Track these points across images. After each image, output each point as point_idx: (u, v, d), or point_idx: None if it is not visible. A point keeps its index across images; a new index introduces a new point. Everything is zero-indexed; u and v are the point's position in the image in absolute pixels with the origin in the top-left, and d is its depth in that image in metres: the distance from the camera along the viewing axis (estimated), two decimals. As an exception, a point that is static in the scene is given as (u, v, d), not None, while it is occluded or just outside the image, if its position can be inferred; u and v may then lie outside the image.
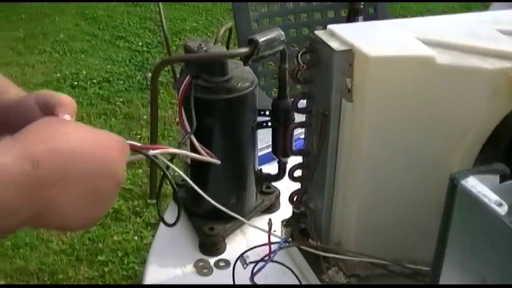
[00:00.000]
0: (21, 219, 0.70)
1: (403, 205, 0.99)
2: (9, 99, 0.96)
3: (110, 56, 4.87)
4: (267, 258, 1.02)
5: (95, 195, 0.78)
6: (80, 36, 5.26)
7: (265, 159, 1.30)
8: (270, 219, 1.05)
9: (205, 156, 0.96)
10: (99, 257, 2.80)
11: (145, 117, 3.87)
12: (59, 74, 4.53)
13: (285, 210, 1.21)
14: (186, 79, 1.01)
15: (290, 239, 1.07)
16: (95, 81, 4.43)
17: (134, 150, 0.84)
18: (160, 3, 1.03)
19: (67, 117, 0.85)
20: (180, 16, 5.55)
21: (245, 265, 1.04)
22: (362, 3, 1.49)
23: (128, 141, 0.83)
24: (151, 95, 0.92)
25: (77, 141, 0.75)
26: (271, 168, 1.26)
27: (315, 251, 1.01)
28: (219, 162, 0.97)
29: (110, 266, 2.77)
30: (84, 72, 4.59)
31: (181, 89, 1.01)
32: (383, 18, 2.44)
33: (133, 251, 2.84)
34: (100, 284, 2.70)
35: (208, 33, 5.19)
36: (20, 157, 0.68)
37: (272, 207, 1.24)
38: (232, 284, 1.06)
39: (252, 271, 1.01)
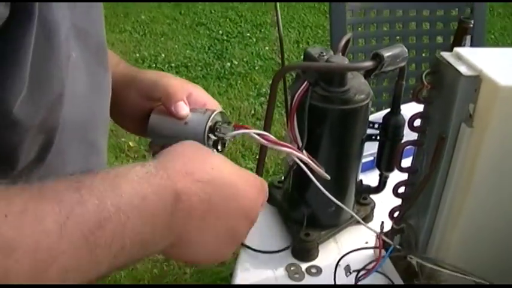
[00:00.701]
0: (158, 250, 0.71)
1: (508, 234, 0.98)
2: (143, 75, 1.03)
3: (189, 41, 4.91)
4: (370, 266, 1.03)
5: (230, 235, 0.78)
6: (161, 18, 5.31)
7: (363, 168, 1.30)
8: (382, 222, 1.06)
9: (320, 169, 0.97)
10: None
11: (221, 106, 3.87)
12: (137, 55, 4.59)
13: (379, 222, 1.21)
14: (303, 85, 1.02)
15: (399, 247, 1.07)
16: (173, 65, 4.49)
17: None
18: (278, 9, 1.04)
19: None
20: (262, 9, 5.55)
21: (348, 273, 1.05)
22: (472, 21, 1.48)
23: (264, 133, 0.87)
24: (269, 99, 0.92)
25: (222, 177, 0.76)
26: (367, 178, 1.26)
27: (430, 265, 1.00)
28: (324, 173, 0.98)
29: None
30: (163, 55, 4.64)
31: (297, 94, 1.02)
32: (478, 35, 2.43)
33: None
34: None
35: (289, 29, 5.18)
36: (162, 188, 0.68)
37: (366, 219, 1.24)
38: None
39: (356, 277, 1.02)
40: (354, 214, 1.11)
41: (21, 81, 0.69)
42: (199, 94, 1.02)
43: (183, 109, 0.95)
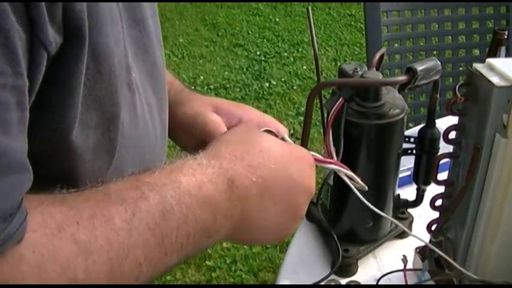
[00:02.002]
0: (221, 236, 0.75)
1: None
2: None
3: (227, 63, 4.94)
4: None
5: (290, 211, 0.82)
6: (199, 41, 5.35)
7: (401, 183, 1.31)
8: (404, 256, 1.08)
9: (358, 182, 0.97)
10: (207, 262, 2.85)
11: (260, 127, 3.89)
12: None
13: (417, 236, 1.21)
14: (339, 101, 1.03)
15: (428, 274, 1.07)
16: (212, 87, 4.52)
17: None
18: (311, 19, 1.05)
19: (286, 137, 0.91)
20: (298, 28, 5.57)
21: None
22: (506, 32, 1.47)
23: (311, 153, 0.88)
24: (305, 116, 0.93)
25: (273, 158, 0.79)
26: (404, 192, 1.26)
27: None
28: (366, 188, 0.98)
29: (218, 271, 2.82)
30: (202, 77, 4.67)
31: (333, 110, 1.03)
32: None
33: (241, 259, 2.87)
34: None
35: (326, 47, 5.19)
36: (215, 176, 0.72)
37: (405, 233, 1.24)
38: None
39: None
40: (396, 222, 1.11)
41: (75, 108, 0.72)
42: (251, 118, 1.06)
43: None
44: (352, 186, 0.95)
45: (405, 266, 1.06)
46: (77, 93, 0.71)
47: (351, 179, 0.95)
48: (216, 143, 0.79)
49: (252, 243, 0.86)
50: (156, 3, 0.96)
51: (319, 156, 0.89)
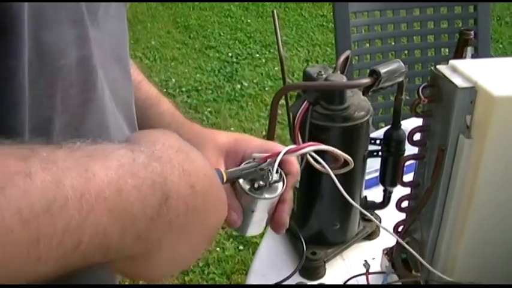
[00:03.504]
0: (117, 257, 0.56)
1: (513, 245, 0.99)
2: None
3: (199, 65, 4.93)
4: None
5: (198, 248, 0.66)
6: (171, 43, 5.34)
7: (368, 185, 1.31)
8: (365, 261, 1.09)
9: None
10: (180, 266, 2.83)
11: (232, 128, 3.90)
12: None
13: (384, 237, 1.21)
14: (304, 105, 1.03)
15: (393, 271, 1.08)
16: (183, 89, 4.50)
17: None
18: (277, 28, 1.05)
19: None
20: (270, 29, 5.57)
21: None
22: (472, 32, 1.48)
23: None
24: (270, 120, 0.93)
25: (210, 188, 0.63)
26: (372, 194, 1.27)
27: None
28: (352, 162, 0.95)
29: (191, 275, 2.81)
30: (174, 80, 4.66)
31: (298, 114, 1.03)
32: (483, 45, 2.43)
33: (214, 262, 2.86)
34: None
35: (298, 48, 5.21)
36: (148, 185, 0.54)
37: (372, 234, 1.24)
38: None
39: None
40: (364, 211, 1.11)
41: (23, 105, 0.64)
42: (233, 156, 0.91)
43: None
44: (329, 169, 0.91)
45: (367, 270, 1.07)
46: (24, 89, 0.62)
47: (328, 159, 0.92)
48: (166, 139, 0.61)
49: (143, 276, 0.62)
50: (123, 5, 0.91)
51: (293, 147, 0.84)
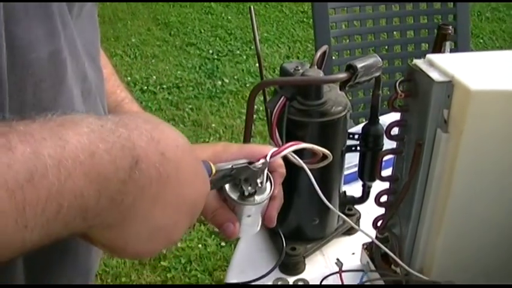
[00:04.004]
0: (96, 223, 0.58)
1: (491, 238, 0.99)
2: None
3: (180, 62, 4.93)
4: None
5: (171, 228, 0.67)
6: (152, 41, 5.33)
7: (347, 180, 1.31)
8: (337, 259, 1.11)
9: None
10: (162, 263, 2.84)
11: (213, 125, 3.90)
12: (129, 78, 4.60)
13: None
14: (281, 100, 1.02)
15: (373, 267, 1.08)
16: (164, 86, 4.50)
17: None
18: (255, 27, 1.04)
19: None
20: (251, 25, 5.56)
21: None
22: (450, 27, 1.48)
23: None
24: (247, 116, 0.93)
25: (183, 160, 0.65)
26: (351, 189, 1.27)
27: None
28: (331, 156, 0.95)
29: (173, 272, 2.80)
30: (154, 77, 4.65)
31: (275, 110, 1.02)
32: (463, 40, 2.44)
33: (196, 259, 2.87)
34: None
35: (279, 44, 5.22)
36: (117, 148, 0.56)
37: (352, 229, 1.24)
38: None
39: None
40: (335, 210, 1.11)
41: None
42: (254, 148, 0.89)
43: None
44: (305, 166, 0.92)
45: (340, 268, 1.08)
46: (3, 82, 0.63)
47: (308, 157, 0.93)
48: (133, 114, 0.65)
49: (120, 247, 0.64)
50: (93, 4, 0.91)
51: (275, 150, 0.85)
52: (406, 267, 0.99)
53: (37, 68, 0.69)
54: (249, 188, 0.81)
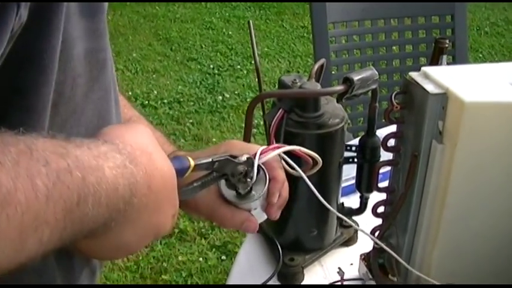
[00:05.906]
0: (99, 222, 0.63)
1: (486, 249, 1.00)
2: None
3: (181, 77, 4.94)
4: None
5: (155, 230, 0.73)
6: (153, 56, 5.34)
7: (345, 192, 1.32)
8: (339, 268, 1.11)
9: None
10: (163, 276, 2.84)
11: (214, 139, 3.90)
12: (130, 93, 4.60)
13: (362, 243, 1.22)
14: (279, 113, 1.04)
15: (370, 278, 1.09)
16: (165, 101, 4.50)
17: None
18: (253, 38, 1.06)
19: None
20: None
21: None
22: (447, 41, 1.50)
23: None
24: (245, 128, 0.94)
25: (158, 178, 0.70)
26: (349, 200, 1.28)
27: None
28: (320, 160, 0.97)
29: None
30: (155, 92, 4.66)
31: (273, 122, 1.04)
32: (460, 53, 2.46)
33: (197, 272, 2.86)
34: None
35: (279, 59, 5.23)
36: (127, 184, 0.64)
37: (350, 241, 1.25)
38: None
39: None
40: (337, 212, 1.12)
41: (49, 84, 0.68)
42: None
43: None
44: (300, 171, 0.94)
45: (342, 277, 1.08)
46: (51, 71, 0.67)
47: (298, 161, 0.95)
48: (135, 140, 0.68)
49: (92, 256, 0.75)
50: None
51: (265, 147, 0.88)
52: (407, 266, 1.00)
53: (77, 63, 0.73)
54: (244, 185, 0.86)
